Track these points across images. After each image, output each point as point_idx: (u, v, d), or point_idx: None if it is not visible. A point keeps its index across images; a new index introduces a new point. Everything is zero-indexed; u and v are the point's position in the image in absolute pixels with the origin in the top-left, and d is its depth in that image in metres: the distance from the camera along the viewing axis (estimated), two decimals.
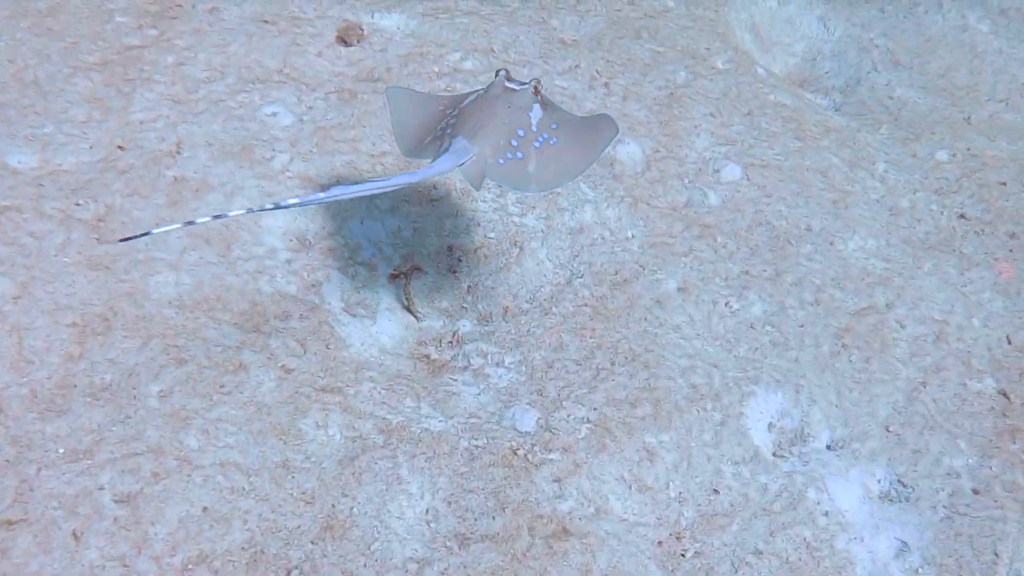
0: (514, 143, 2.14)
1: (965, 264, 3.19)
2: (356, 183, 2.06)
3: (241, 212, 2.11)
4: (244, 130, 2.81)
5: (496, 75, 2.30)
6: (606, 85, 3.33)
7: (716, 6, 3.96)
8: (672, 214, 2.99)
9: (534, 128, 2.17)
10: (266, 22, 3.21)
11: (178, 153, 2.68)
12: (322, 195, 1.94)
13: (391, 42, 3.28)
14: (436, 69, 3.19)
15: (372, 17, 3.36)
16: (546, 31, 3.50)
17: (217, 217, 2.05)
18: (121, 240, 2.09)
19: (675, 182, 3.09)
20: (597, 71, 3.38)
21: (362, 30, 3.29)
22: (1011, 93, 3.99)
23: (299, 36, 3.19)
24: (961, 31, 4.19)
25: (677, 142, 3.21)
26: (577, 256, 2.80)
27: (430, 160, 2.15)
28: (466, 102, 2.25)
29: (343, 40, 3.25)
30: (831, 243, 3.06)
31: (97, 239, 2.41)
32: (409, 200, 2.78)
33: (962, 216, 3.38)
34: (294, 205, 1.94)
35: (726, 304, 2.77)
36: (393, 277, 2.60)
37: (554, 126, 2.20)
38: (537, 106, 2.22)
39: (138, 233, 1.92)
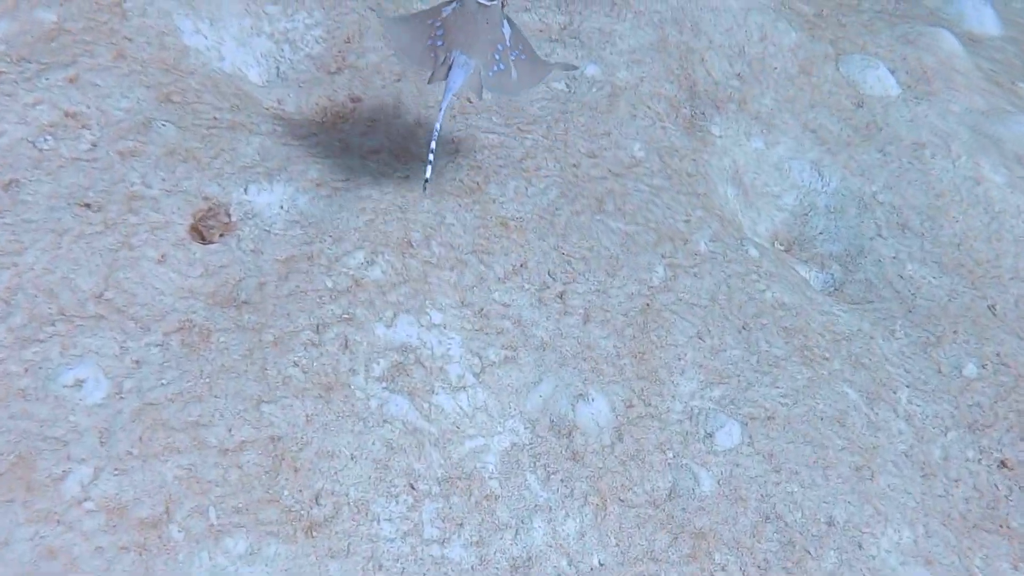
0: (497, 56, 2.30)
1: (1017, 550, 2.34)
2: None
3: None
4: (26, 419, 1.76)
5: None
6: (561, 297, 2.35)
7: (694, 153, 3.00)
8: (653, 516, 2.04)
9: (508, 44, 2.33)
10: (88, 206, 2.13)
11: None
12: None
13: (269, 236, 2.24)
14: (330, 283, 2.17)
15: (245, 192, 2.31)
16: (482, 205, 2.50)
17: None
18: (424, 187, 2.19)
19: (655, 457, 2.14)
20: (550, 272, 2.40)
21: (228, 216, 2.25)
22: None
23: (135, 230, 2.13)
24: (974, 184, 3.32)
25: (656, 387, 2.26)
26: None
27: (441, 76, 2.25)
28: (445, 13, 2.32)
29: (200, 233, 2.20)
30: (859, 545, 2.16)
31: None
32: (278, 534, 1.77)
33: (1003, 464, 2.52)
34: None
35: None
36: None
37: (520, 46, 2.36)
38: (506, 22, 2.33)
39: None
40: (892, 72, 3.70)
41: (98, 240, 2.08)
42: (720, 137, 3.14)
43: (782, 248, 3.14)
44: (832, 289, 3.01)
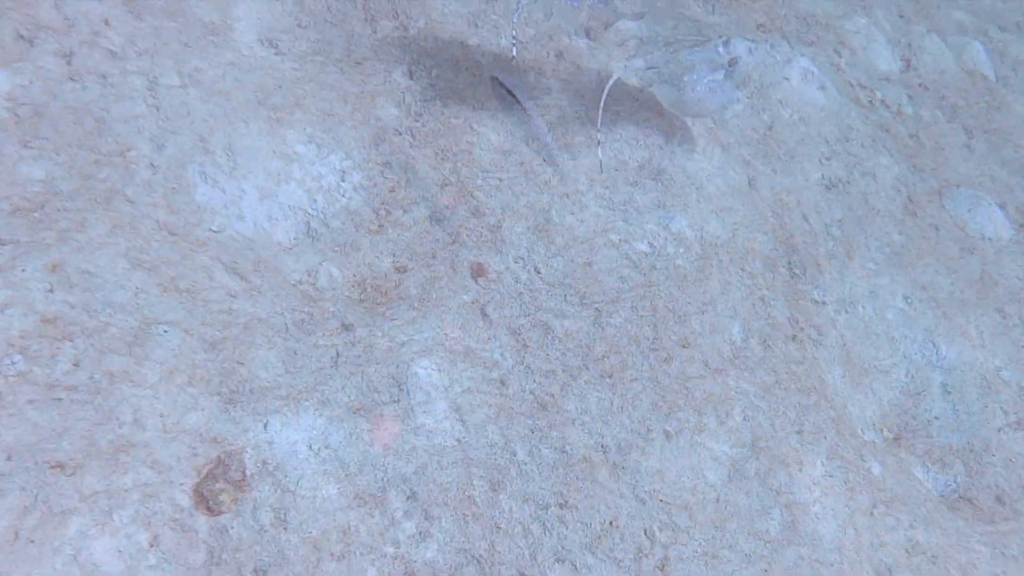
0: None
1: None
2: None
3: None
4: None
5: None
6: (663, 570, 1.76)
7: (798, 330, 2.40)
8: None
9: None
10: (61, 467, 1.55)
11: None
12: None
13: (295, 500, 1.65)
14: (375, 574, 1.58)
15: (264, 429, 1.72)
16: (559, 430, 1.91)
17: None
18: None
19: None
20: (646, 531, 1.80)
21: (243, 470, 1.66)
22: None
23: (122, 501, 1.55)
24: None
25: None
26: None
27: None
28: None
29: (205, 500, 1.61)
30: None
31: None
32: None
33: None
34: None
35: None
36: None
37: None
38: None
39: None
40: (1001, 207, 3.10)
41: (66, 523, 1.49)
42: (824, 304, 2.54)
43: (891, 435, 2.54)
44: (956, 496, 2.41)
